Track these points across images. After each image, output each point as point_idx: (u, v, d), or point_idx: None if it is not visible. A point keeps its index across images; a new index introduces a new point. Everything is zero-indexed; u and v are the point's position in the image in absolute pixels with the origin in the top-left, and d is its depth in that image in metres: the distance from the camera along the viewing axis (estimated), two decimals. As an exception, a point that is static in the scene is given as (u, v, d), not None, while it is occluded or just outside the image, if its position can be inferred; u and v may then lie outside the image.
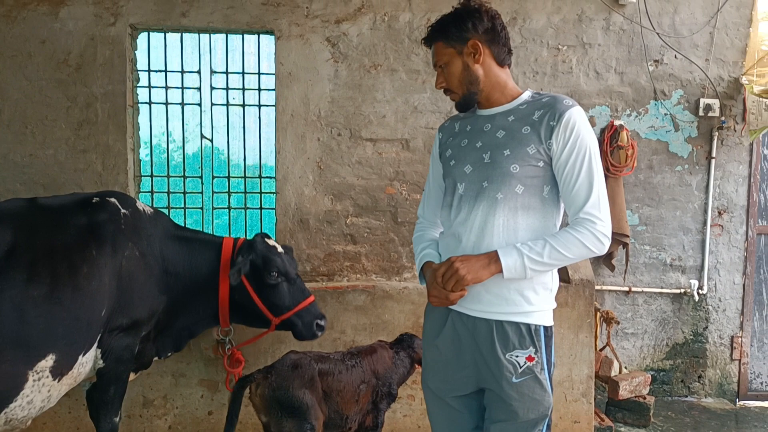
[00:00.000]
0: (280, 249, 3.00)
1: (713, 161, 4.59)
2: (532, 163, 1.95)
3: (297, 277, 3.01)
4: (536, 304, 2.00)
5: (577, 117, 1.94)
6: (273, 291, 2.91)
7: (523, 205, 1.97)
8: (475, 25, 2.04)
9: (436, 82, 2.14)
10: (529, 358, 1.98)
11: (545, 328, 2.03)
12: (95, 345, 2.56)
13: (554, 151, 1.94)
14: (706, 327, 4.70)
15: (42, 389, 2.35)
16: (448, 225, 2.11)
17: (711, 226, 4.64)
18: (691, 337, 4.70)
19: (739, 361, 4.73)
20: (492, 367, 1.98)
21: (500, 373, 1.97)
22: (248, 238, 3.08)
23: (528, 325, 1.99)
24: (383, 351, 2.92)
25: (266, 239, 3.00)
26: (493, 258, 1.91)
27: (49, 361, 2.33)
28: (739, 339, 4.72)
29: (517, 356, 1.97)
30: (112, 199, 2.77)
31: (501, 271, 1.90)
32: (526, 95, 2.07)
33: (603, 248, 1.92)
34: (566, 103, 1.96)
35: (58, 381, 2.40)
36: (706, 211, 4.64)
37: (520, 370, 1.97)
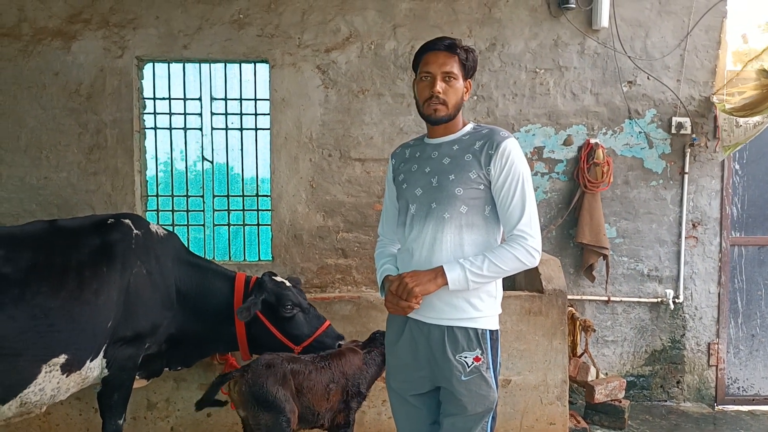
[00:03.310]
0: (288, 284, 3.22)
1: (686, 176, 4.82)
2: (474, 186, 2.23)
3: (310, 306, 3.23)
4: (482, 310, 2.26)
5: (512, 147, 2.23)
6: (290, 323, 3.13)
7: (467, 223, 2.25)
8: (474, 71, 2.36)
9: (436, 85, 2.23)
10: (476, 359, 2.23)
11: (491, 331, 2.28)
12: (101, 354, 2.83)
13: (492, 176, 2.22)
14: (684, 334, 4.91)
15: (52, 380, 2.66)
16: (403, 241, 2.38)
17: (686, 237, 4.87)
18: (669, 344, 4.92)
19: (716, 366, 4.93)
20: (444, 368, 2.24)
21: (451, 372, 2.22)
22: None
23: (475, 330, 2.24)
24: (352, 354, 3.10)
25: (273, 277, 3.23)
26: (439, 272, 2.18)
27: (60, 359, 2.65)
28: (716, 345, 4.92)
29: (465, 357, 2.23)
30: (126, 221, 3.02)
31: (447, 283, 2.17)
32: (469, 127, 2.36)
33: (534, 261, 2.20)
34: (502, 135, 2.25)
35: (67, 376, 2.71)
36: (680, 224, 4.86)
37: (468, 369, 2.22)
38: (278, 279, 3.23)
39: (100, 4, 4.56)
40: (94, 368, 2.83)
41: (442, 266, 2.18)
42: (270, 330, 3.11)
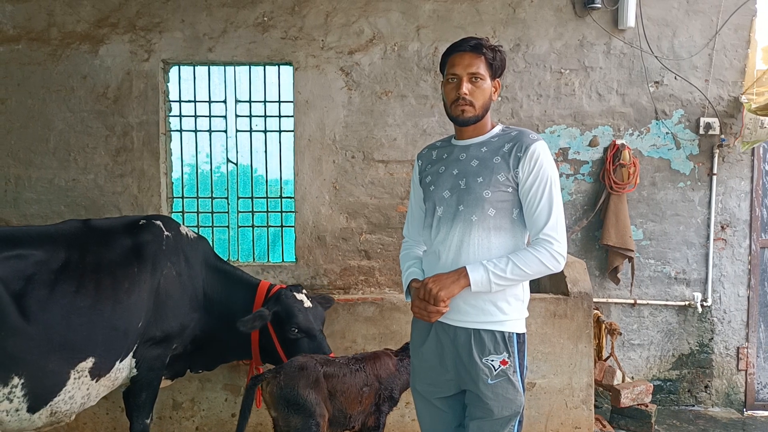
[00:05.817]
0: (307, 303, 3.16)
1: (715, 177, 4.75)
2: (502, 189, 2.21)
3: (319, 334, 3.16)
4: (509, 313, 2.24)
5: (540, 150, 2.20)
6: (293, 344, 3.10)
7: (495, 225, 2.22)
8: (503, 70, 2.34)
9: (463, 87, 2.22)
10: (503, 362, 2.21)
11: (518, 335, 2.26)
12: (131, 354, 2.86)
13: (520, 178, 2.20)
14: (712, 338, 4.83)
15: (81, 387, 2.67)
16: (429, 243, 2.37)
17: (714, 240, 4.78)
18: (697, 348, 4.83)
19: (746, 371, 4.84)
20: (470, 371, 2.22)
21: (477, 375, 2.20)
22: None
23: (502, 333, 2.22)
24: (387, 358, 3.14)
25: (295, 293, 3.17)
26: (462, 273, 2.16)
27: (88, 363, 2.66)
28: (745, 350, 4.83)
29: (492, 360, 2.21)
30: (158, 222, 3.06)
31: (469, 284, 2.14)
32: (497, 129, 2.34)
33: (559, 266, 2.17)
34: (532, 137, 2.23)
35: (96, 381, 2.73)
36: (708, 226, 4.78)
37: (495, 373, 2.20)
38: (299, 296, 3.16)
39: (126, 9, 4.63)
40: (123, 369, 2.86)
41: (464, 267, 2.16)
42: (275, 345, 3.10)
